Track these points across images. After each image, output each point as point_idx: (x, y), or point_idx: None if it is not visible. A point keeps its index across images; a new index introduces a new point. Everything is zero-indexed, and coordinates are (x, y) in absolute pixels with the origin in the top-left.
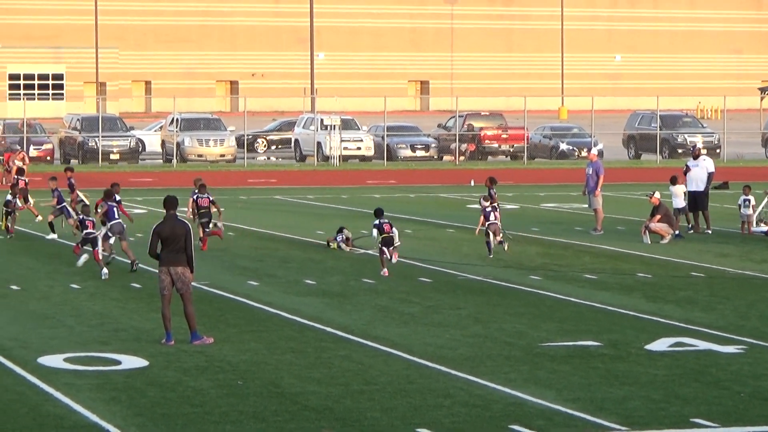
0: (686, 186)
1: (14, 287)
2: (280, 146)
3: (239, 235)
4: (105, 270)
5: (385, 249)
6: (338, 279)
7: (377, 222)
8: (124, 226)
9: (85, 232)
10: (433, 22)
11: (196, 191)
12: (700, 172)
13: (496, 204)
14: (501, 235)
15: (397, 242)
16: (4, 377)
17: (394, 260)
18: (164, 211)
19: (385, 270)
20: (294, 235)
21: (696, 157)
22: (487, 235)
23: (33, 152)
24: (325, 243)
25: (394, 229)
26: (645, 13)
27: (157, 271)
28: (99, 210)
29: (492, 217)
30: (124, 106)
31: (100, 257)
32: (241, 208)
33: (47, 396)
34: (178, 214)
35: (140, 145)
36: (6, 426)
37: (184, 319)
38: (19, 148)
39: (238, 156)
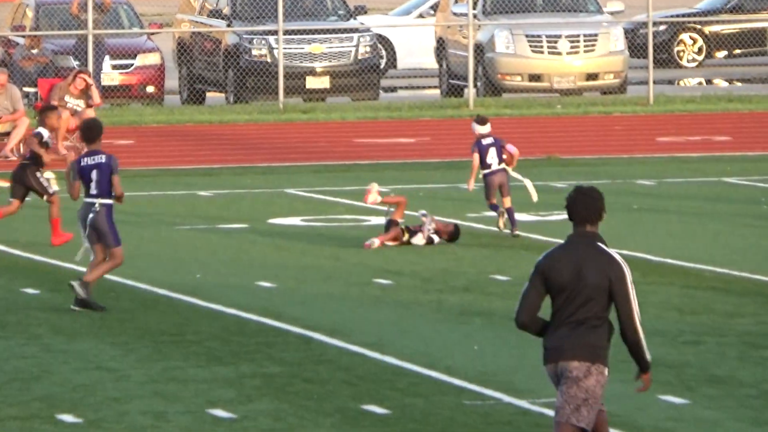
0: None
1: None
2: (739, 51)
3: None
4: None
5: None
6: None
7: None
8: None
9: None
10: None
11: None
12: None
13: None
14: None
15: None
16: None
17: None
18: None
19: None
20: None
21: None
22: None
23: (111, 75)
24: None
25: None
26: None
27: None
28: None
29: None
30: None
31: None
32: (642, 210)
33: None
34: None
35: (379, 51)
36: None
37: None
38: (76, 65)
39: (634, 77)
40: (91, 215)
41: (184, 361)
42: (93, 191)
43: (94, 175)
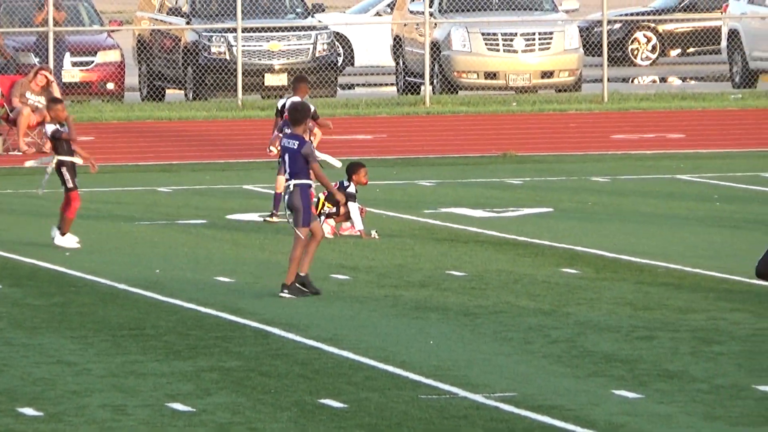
0: None
1: None
2: (692, 49)
3: None
4: None
5: None
6: None
7: None
8: None
9: None
10: None
11: None
12: None
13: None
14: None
15: None
16: None
17: None
18: None
19: None
20: None
21: None
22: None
23: (72, 72)
24: None
25: None
26: None
27: None
28: None
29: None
30: None
31: None
32: (596, 206)
33: None
34: None
35: (337, 49)
36: None
37: None
38: (37, 62)
39: (588, 74)
40: (286, 196)
41: (142, 355)
42: (287, 173)
43: (287, 157)
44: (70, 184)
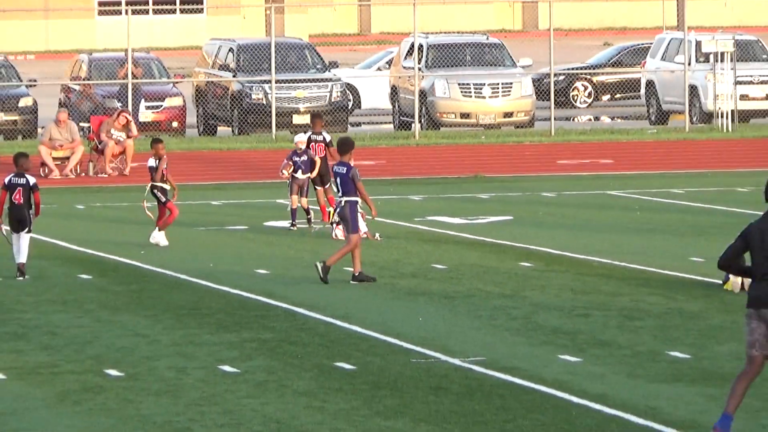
0: None
1: None
2: (619, 95)
3: None
4: None
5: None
6: None
7: None
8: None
9: None
10: None
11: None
12: None
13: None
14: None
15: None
16: None
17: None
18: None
19: None
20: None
21: None
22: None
23: (146, 114)
24: None
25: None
26: None
27: None
28: None
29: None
30: (315, 23)
31: None
32: (546, 215)
33: None
34: None
35: (347, 95)
36: None
37: None
38: (119, 106)
39: (540, 114)
40: (338, 209)
41: (199, 329)
42: (339, 192)
43: (338, 180)
44: (163, 199)
